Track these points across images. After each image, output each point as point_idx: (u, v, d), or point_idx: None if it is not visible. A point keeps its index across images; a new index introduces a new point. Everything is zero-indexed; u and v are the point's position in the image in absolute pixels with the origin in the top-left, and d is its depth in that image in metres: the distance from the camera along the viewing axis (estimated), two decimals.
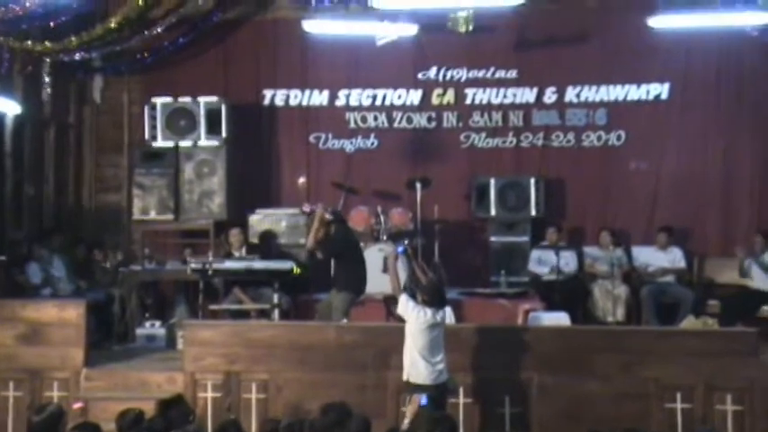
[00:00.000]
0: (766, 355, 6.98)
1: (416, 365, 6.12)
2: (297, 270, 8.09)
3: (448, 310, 7.06)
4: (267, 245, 9.28)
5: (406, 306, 6.19)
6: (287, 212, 9.82)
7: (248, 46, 10.50)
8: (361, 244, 8.48)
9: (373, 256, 8.80)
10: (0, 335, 7.28)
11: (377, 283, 8.39)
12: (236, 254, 9.04)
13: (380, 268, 8.68)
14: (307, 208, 8.56)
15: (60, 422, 5.18)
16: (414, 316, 6.15)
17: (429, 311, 6.15)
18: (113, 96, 10.56)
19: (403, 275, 7.63)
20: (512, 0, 8.69)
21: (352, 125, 10.56)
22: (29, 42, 8.75)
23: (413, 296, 6.29)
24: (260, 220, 9.75)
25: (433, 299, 6.19)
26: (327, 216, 7.90)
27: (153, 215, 9.76)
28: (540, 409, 6.79)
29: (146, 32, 9.49)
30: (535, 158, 10.38)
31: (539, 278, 9.55)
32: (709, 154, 9.99)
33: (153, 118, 9.82)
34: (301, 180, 10.18)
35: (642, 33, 9.32)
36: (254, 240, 9.48)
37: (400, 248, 6.90)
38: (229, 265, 8.36)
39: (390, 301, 8.43)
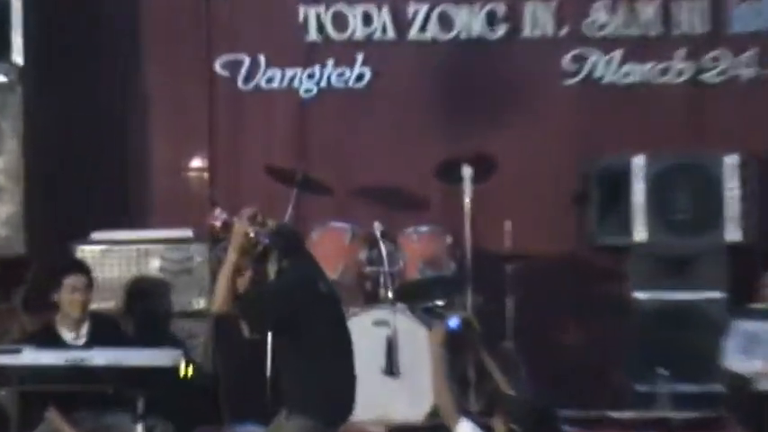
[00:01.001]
0: None
1: None
2: (186, 370, 7.48)
3: None
4: (133, 314, 9.50)
5: None
6: (166, 237, 9.83)
7: None
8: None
9: (365, 334, 8.87)
10: None
11: (372, 395, 8.35)
12: (69, 335, 8.62)
13: (381, 366, 8.99)
14: (216, 219, 7.89)
15: None
16: None
17: None
18: None
19: None
20: None
21: (314, 36, 10.69)
22: None
23: (484, 427, 6.43)
24: (103, 254, 9.69)
25: (534, 429, 6.27)
26: (255, 234, 7.37)
27: None
28: None
29: None
30: (736, 112, 10.50)
31: (746, 384, 9.14)
32: None
33: None
34: (197, 163, 10.52)
35: None
36: (105, 303, 9.37)
37: (453, 322, 6.88)
38: (38, 358, 7.69)
39: None
